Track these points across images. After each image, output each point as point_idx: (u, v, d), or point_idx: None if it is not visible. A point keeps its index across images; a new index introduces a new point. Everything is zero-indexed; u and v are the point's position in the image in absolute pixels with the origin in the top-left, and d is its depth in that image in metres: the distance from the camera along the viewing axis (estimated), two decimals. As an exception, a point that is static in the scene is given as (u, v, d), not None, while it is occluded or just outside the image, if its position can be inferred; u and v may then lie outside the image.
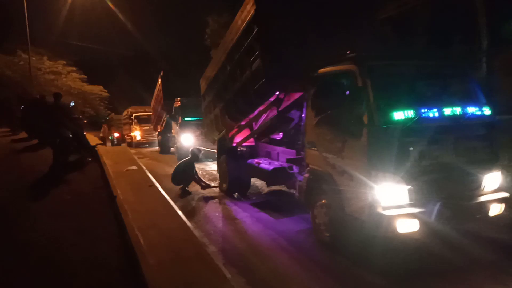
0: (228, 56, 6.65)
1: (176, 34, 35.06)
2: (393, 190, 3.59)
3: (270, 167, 6.07)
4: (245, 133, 7.11)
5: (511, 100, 7.56)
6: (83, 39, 32.26)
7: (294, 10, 5.07)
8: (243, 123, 6.84)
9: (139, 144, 21.54)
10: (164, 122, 16.62)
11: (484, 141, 4.01)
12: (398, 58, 4.18)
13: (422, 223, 3.54)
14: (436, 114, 3.76)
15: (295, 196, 5.40)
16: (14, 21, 21.21)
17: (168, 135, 16.42)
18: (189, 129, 13.58)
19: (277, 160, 6.43)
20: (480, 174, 3.93)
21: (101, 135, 19.18)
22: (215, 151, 8.62)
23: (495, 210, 3.92)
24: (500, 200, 3.95)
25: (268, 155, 6.88)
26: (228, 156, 7.45)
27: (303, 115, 5.02)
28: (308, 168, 4.83)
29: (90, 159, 9.37)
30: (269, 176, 6.18)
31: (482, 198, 3.92)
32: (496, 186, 4.09)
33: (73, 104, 12.00)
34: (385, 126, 3.56)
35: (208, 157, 11.44)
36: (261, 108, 6.17)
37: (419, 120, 3.65)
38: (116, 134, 24.62)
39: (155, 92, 18.01)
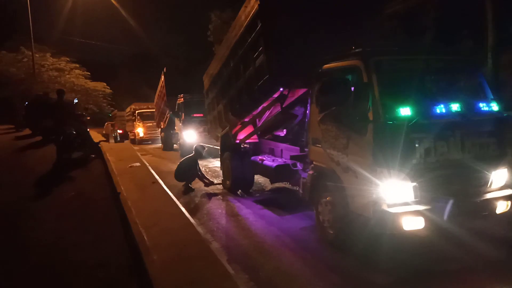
0: (231, 52, 6.61)
1: (179, 31, 35.01)
2: (398, 187, 3.55)
3: (274, 164, 6.04)
4: (249, 129, 7.08)
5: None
6: (86, 36, 32.33)
7: (299, 5, 5.02)
8: (246, 119, 6.80)
9: (142, 141, 21.57)
10: (167, 119, 16.62)
11: (491, 138, 3.95)
12: (404, 54, 4.13)
13: (428, 220, 3.50)
14: (443, 110, 3.71)
15: (298, 193, 5.37)
16: (18, 19, 21.25)
17: (171, 131, 16.42)
18: (192, 126, 13.56)
19: (281, 157, 6.40)
20: (487, 171, 3.88)
21: (104, 132, 19.24)
22: (218, 148, 8.60)
23: (502, 207, 3.87)
24: (507, 198, 3.91)
25: (271, 152, 6.85)
26: (231, 153, 7.43)
27: (307, 112, 4.99)
28: (312, 165, 4.80)
29: (93, 155, 9.38)
30: (272, 173, 6.15)
31: (489, 195, 3.87)
32: (503, 183, 4.05)
33: (77, 101, 12.02)
34: (390, 122, 3.52)
35: (211, 154, 11.43)
36: (264, 104, 6.13)
37: (425, 116, 3.60)
38: (119, 131, 24.67)
39: (158, 88, 17.99)
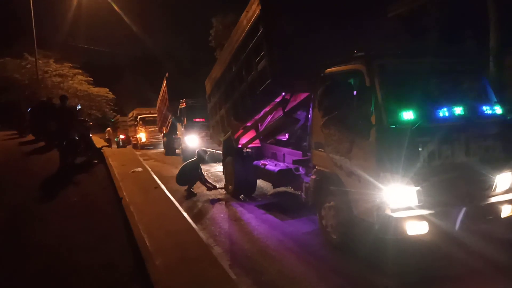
0: (233, 56, 6.63)
1: (181, 36, 35.21)
2: (402, 192, 3.52)
3: (276, 169, 6.02)
4: (251, 134, 7.07)
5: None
6: (89, 42, 32.52)
7: (301, 9, 5.03)
8: (249, 124, 6.80)
9: (144, 146, 21.61)
10: (170, 124, 16.65)
11: (495, 141, 3.93)
12: (407, 57, 4.12)
13: (432, 225, 3.47)
14: (446, 113, 3.69)
15: (301, 197, 5.35)
16: (22, 25, 21.42)
17: (173, 136, 16.45)
18: (195, 131, 13.58)
19: (283, 161, 6.39)
20: (491, 174, 3.85)
21: (106, 137, 19.29)
22: (221, 152, 8.60)
23: (507, 211, 3.84)
24: (511, 202, 3.87)
25: (274, 157, 6.84)
26: (234, 157, 7.42)
27: (309, 116, 4.98)
28: (315, 169, 4.78)
29: (96, 161, 9.40)
30: (275, 178, 6.14)
31: (493, 199, 3.84)
32: (508, 186, 4.01)
33: (80, 107, 12.08)
34: (393, 126, 3.51)
35: (213, 158, 11.43)
36: (267, 109, 6.13)
37: (428, 120, 3.59)
38: (122, 136, 24.73)
39: (161, 93, 18.06)
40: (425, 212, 3.50)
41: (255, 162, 6.94)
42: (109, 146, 14.69)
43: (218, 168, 10.47)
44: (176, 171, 8.37)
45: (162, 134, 18.97)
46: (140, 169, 8.12)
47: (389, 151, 3.54)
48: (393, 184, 3.50)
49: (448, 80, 4.16)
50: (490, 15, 10.03)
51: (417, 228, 3.45)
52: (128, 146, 22.65)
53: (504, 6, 9.81)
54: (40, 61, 20.78)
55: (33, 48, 18.05)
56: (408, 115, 3.54)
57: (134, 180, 6.97)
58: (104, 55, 33.13)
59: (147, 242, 3.83)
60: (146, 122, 21.64)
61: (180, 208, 5.24)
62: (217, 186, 8.04)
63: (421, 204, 3.55)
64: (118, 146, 22.28)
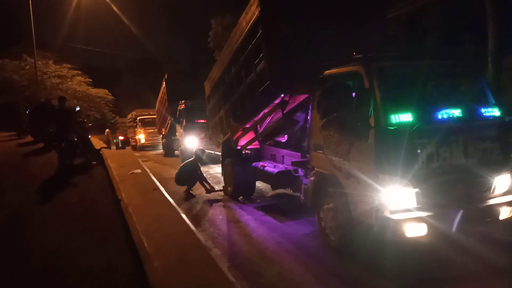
0: (232, 58, 6.63)
1: (181, 37, 35.28)
2: (400, 194, 3.52)
3: (275, 170, 6.02)
4: (250, 136, 7.07)
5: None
6: (88, 43, 32.55)
7: (300, 10, 5.03)
8: (248, 125, 6.80)
9: (143, 147, 21.57)
10: (169, 125, 16.64)
11: (494, 143, 3.93)
12: (406, 59, 4.13)
13: (431, 227, 3.47)
14: (445, 115, 3.70)
15: (300, 199, 5.34)
16: (21, 26, 21.43)
17: (173, 138, 16.43)
18: (194, 132, 13.57)
19: (282, 163, 6.39)
20: (490, 176, 3.85)
21: (105, 138, 19.27)
22: (220, 154, 8.60)
23: (505, 213, 3.84)
24: (510, 203, 3.87)
25: (273, 158, 6.83)
26: (233, 159, 7.42)
27: (308, 118, 4.98)
28: (314, 171, 4.78)
29: (95, 162, 9.39)
30: (274, 179, 6.13)
31: (492, 201, 3.84)
32: (506, 188, 4.01)
33: (79, 108, 12.08)
34: (392, 128, 3.51)
35: (212, 160, 11.42)
36: (266, 110, 6.13)
37: (427, 122, 3.59)
38: (121, 137, 24.70)
39: (160, 95, 18.04)
40: (423, 214, 3.50)
41: (254, 164, 6.94)
42: (108, 147, 14.68)
43: (217, 169, 10.46)
44: (174, 173, 8.36)
45: (161, 136, 18.95)
46: (139, 170, 8.12)
47: (387, 153, 3.54)
48: (391, 186, 3.50)
49: (447, 82, 4.17)
50: (488, 18, 10.07)
51: (415, 230, 3.44)
52: (127, 148, 22.62)
53: (503, 9, 9.85)
54: (39, 62, 20.78)
55: (32, 49, 18.05)
56: (406, 117, 3.54)
57: (133, 182, 6.96)
58: (103, 56, 33.26)
59: (145, 244, 3.82)
60: (145, 123, 21.61)
61: (179, 209, 5.24)
62: (216, 188, 8.02)
63: (419, 206, 3.55)
64: (117, 147, 22.25)
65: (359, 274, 3.80)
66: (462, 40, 11.36)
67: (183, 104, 14.21)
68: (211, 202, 7.26)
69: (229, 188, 7.50)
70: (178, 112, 14.74)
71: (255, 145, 7.34)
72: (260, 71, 5.49)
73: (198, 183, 7.84)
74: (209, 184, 7.95)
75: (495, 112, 4.03)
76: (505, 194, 3.97)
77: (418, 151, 3.55)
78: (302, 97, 5.56)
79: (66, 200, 6.21)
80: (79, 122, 10.39)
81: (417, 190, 3.53)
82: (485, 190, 3.89)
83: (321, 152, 4.49)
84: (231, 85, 6.87)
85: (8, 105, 19.68)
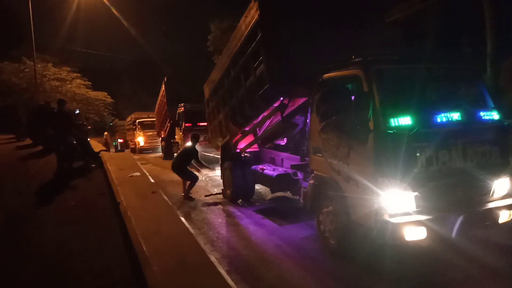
0: (232, 61, 6.65)
1: (180, 41, 35.37)
2: (400, 197, 3.52)
3: (275, 173, 6.02)
4: (249, 139, 7.07)
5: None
6: (88, 46, 32.62)
7: (299, 14, 5.05)
8: (247, 128, 6.81)
9: (142, 150, 21.56)
10: (168, 128, 16.65)
11: (493, 146, 3.94)
12: (404, 62, 4.14)
13: (430, 230, 3.46)
14: (444, 119, 3.70)
15: (299, 202, 5.34)
16: (20, 29, 21.46)
17: (172, 140, 16.43)
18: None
19: (282, 166, 6.38)
20: (489, 180, 3.86)
21: (104, 141, 19.24)
22: (219, 157, 8.59)
23: (505, 217, 3.84)
24: (509, 207, 3.87)
25: (272, 161, 6.84)
26: (232, 162, 7.41)
27: (307, 121, 4.98)
28: (313, 174, 4.78)
29: (93, 165, 9.37)
30: (273, 182, 6.13)
31: (491, 205, 3.84)
32: (505, 192, 4.02)
33: (78, 111, 12.07)
34: (391, 131, 3.51)
35: (212, 163, 11.41)
36: (265, 113, 6.14)
37: (426, 125, 3.59)
38: (120, 140, 24.68)
39: (159, 97, 18.07)
40: (423, 217, 3.50)
41: (253, 167, 6.94)
42: (107, 150, 14.65)
43: (216, 172, 10.45)
44: (174, 176, 8.36)
45: (160, 138, 18.95)
46: (138, 173, 8.09)
47: (387, 156, 3.54)
48: (391, 189, 3.50)
49: (446, 86, 4.19)
50: (486, 21, 10.11)
51: (415, 233, 3.44)
52: (126, 150, 22.59)
53: (501, 12, 9.90)
54: (39, 65, 20.79)
55: (31, 52, 18.06)
56: (405, 120, 3.55)
57: (132, 185, 6.94)
58: (103, 59, 33.30)
59: (144, 247, 3.80)
60: (144, 126, 21.60)
61: (178, 213, 5.23)
62: (215, 190, 8.00)
63: (419, 209, 3.55)
64: (116, 150, 22.23)
65: (358, 277, 3.79)
66: (460, 43, 11.41)
67: (182, 107, 14.22)
68: (210, 205, 7.25)
69: (228, 191, 7.49)
70: (177, 115, 14.75)
71: (254, 148, 7.34)
72: (259, 74, 5.50)
73: (197, 184, 7.84)
74: (205, 165, 8.04)
75: (494, 115, 4.04)
76: (504, 197, 3.98)
77: (417, 154, 3.55)
78: (301, 100, 5.57)
79: (65, 203, 6.18)
80: (78, 125, 10.37)
81: (416, 193, 3.53)
82: (484, 193, 3.89)
83: (320, 155, 4.49)
84: (231, 88, 6.88)
85: (7, 108, 19.65)
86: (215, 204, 7.33)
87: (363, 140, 3.70)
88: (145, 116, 22.74)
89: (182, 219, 4.89)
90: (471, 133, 3.82)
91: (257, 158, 7.36)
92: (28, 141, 12.90)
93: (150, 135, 21.11)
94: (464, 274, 3.73)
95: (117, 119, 29.14)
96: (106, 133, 21.02)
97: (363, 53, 4.03)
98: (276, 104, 5.73)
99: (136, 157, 15.01)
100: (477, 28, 10.52)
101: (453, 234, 3.57)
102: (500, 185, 3.95)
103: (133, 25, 31.16)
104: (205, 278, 3.16)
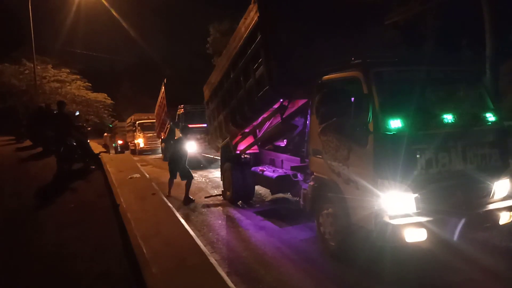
0: (231, 63, 6.65)
1: (179, 43, 35.43)
2: (400, 199, 3.52)
3: (274, 175, 6.01)
4: (249, 140, 7.07)
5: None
6: (88, 48, 32.66)
7: (299, 17, 5.06)
8: (247, 130, 6.81)
9: (142, 152, 21.56)
10: (168, 129, 16.64)
11: (493, 148, 3.94)
12: (404, 65, 4.14)
13: (430, 232, 3.46)
14: (443, 121, 3.70)
15: (299, 204, 5.33)
16: (20, 30, 21.48)
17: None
18: (193, 136, 13.57)
19: (281, 167, 6.38)
20: (489, 181, 3.86)
21: (103, 143, 19.24)
22: (219, 158, 8.59)
23: (505, 218, 3.84)
24: (509, 208, 3.87)
25: (272, 163, 6.83)
26: (232, 163, 7.41)
27: (307, 122, 4.99)
28: (313, 176, 4.78)
29: (93, 167, 9.37)
30: (273, 184, 6.12)
31: (491, 206, 3.84)
32: (505, 193, 4.02)
33: (78, 113, 12.07)
34: (391, 133, 3.52)
35: (211, 164, 11.42)
36: (265, 115, 6.14)
37: (426, 127, 3.59)
38: (120, 142, 24.69)
39: (159, 99, 18.08)
40: (423, 219, 3.49)
41: (253, 168, 6.94)
42: (107, 151, 14.65)
43: (216, 174, 10.44)
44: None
45: (160, 140, 18.94)
46: (137, 175, 8.10)
47: (386, 158, 3.54)
48: (391, 191, 3.49)
49: (445, 88, 4.19)
50: (485, 24, 10.12)
51: (415, 235, 3.43)
52: (126, 152, 22.59)
53: (500, 14, 9.91)
54: (38, 67, 20.81)
55: (31, 53, 18.07)
56: (405, 122, 3.55)
57: (132, 187, 6.94)
58: (102, 61, 33.35)
59: (144, 249, 3.80)
60: (144, 128, 21.60)
61: (177, 214, 5.22)
62: (215, 192, 7.98)
63: (419, 211, 3.55)
64: (116, 152, 22.22)
65: (359, 280, 3.78)
66: (459, 45, 11.43)
67: (182, 108, 14.23)
68: (210, 206, 7.25)
69: (228, 193, 7.49)
70: (177, 117, 14.76)
71: (254, 149, 7.34)
72: (259, 76, 5.50)
73: (197, 186, 7.84)
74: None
75: (493, 117, 4.04)
76: (504, 199, 3.97)
77: (417, 156, 3.55)
78: (301, 102, 5.57)
79: (65, 204, 6.18)
80: (78, 127, 10.38)
81: (416, 195, 3.53)
82: (484, 195, 3.89)
83: (320, 157, 4.49)
84: (230, 90, 6.89)
85: (7, 110, 19.67)
86: (215, 205, 7.32)
87: (362, 142, 3.70)
88: (145, 117, 22.74)
89: (182, 220, 4.89)
90: (471, 135, 3.82)
91: (257, 159, 7.36)
92: (28, 142, 12.90)
93: (150, 136, 21.11)
94: (464, 277, 3.72)
95: (117, 121, 29.13)
96: (105, 134, 21.03)
97: (362, 55, 4.03)
98: (275, 106, 5.73)
99: (136, 158, 15.03)
100: (476, 30, 10.54)
101: (455, 237, 3.56)
102: (500, 187, 3.95)
103: (132, 27, 31.25)
104: (205, 280, 3.16)
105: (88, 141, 11.08)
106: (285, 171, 6.12)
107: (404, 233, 3.42)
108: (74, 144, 8.76)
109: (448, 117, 3.76)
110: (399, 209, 3.53)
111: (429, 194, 3.56)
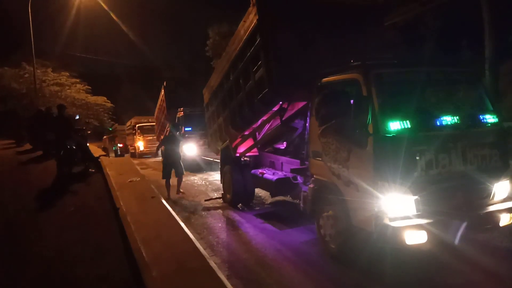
0: (231, 65, 6.66)
1: (179, 45, 35.51)
2: (400, 201, 3.51)
3: (274, 178, 6.00)
4: (249, 143, 7.07)
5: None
6: (87, 51, 32.73)
7: (298, 19, 5.07)
8: (246, 132, 6.80)
9: (142, 155, 21.54)
10: (167, 132, 16.64)
11: (493, 149, 3.93)
12: (403, 66, 4.14)
13: (431, 234, 3.45)
14: (443, 122, 3.70)
15: (299, 206, 5.32)
16: (20, 34, 21.52)
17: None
18: (192, 139, 13.59)
19: (281, 170, 6.37)
20: (489, 183, 3.85)
21: (103, 146, 19.24)
22: (219, 161, 8.59)
23: (506, 220, 3.83)
24: (509, 210, 3.86)
25: (272, 165, 6.83)
26: (231, 166, 7.40)
27: (307, 125, 4.99)
28: (313, 178, 4.77)
29: (93, 170, 9.36)
30: (273, 187, 6.11)
31: (492, 208, 3.83)
32: (506, 195, 4.01)
33: (78, 117, 12.10)
34: (390, 135, 3.51)
35: (211, 167, 11.41)
36: (264, 117, 6.14)
37: (426, 129, 3.59)
38: (120, 145, 24.68)
39: (159, 102, 18.09)
40: (423, 221, 3.49)
41: (253, 171, 6.93)
42: (107, 155, 14.65)
43: (216, 176, 10.43)
44: (174, 181, 8.37)
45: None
46: (137, 178, 8.08)
47: (386, 160, 3.54)
48: (391, 193, 3.49)
49: (445, 89, 4.19)
50: (485, 25, 10.14)
51: (415, 237, 3.43)
52: (126, 155, 22.58)
53: (499, 15, 9.94)
54: (38, 70, 20.84)
55: (31, 57, 18.11)
56: (405, 124, 3.55)
57: (132, 190, 6.93)
58: (102, 64, 33.37)
59: (143, 252, 3.78)
60: (144, 131, 21.60)
61: (177, 217, 5.20)
62: (215, 195, 7.99)
63: (419, 213, 3.54)
64: (116, 155, 22.21)
65: (359, 282, 3.78)
66: (459, 46, 11.44)
67: (181, 111, 14.24)
68: (210, 209, 7.23)
69: (228, 196, 7.48)
70: (177, 119, 14.77)
71: (254, 152, 7.33)
72: (258, 78, 5.50)
73: (197, 189, 7.83)
74: None
75: (493, 118, 4.04)
76: (505, 200, 3.97)
77: (417, 158, 3.55)
78: (301, 104, 5.57)
79: (65, 208, 6.17)
80: (78, 130, 10.39)
81: (416, 197, 3.53)
82: (484, 196, 3.89)
83: (320, 159, 4.49)
84: (230, 92, 6.89)
85: (7, 113, 19.70)
86: (215, 208, 7.31)
87: (362, 144, 3.70)
88: (145, 120, 22.75)
89: (182, 224, 4.88)
90: (471, 136, 3.82)
91: (257, 162, 7.35)
92: (28, 146, 12.91)
93: (150, 139, 21.10)
94: (464, 278, 3.71)
95: (116, 124, 29.14)
96: (105, 137, 21.03)
97: (362, 57, 4.04)
98: (275, 108, 5.74)
99: (135, 161, 15.01)
100: (476, 31, 10.56)
101: (456, 241, 3.55)
102: (500, 188, 3.94)
103: (132, 30, 31.28)
104: (205, 283, 3.15)
105: (88, 144, 11.09)
106: (285, 173, 6.11)
107: (404, 235, 3.42)
108: (74, 147, 8.76)
109: (448, 119, 3.76)
110: (399, 211, 3.52)
111: (429, 195, 3.56)
